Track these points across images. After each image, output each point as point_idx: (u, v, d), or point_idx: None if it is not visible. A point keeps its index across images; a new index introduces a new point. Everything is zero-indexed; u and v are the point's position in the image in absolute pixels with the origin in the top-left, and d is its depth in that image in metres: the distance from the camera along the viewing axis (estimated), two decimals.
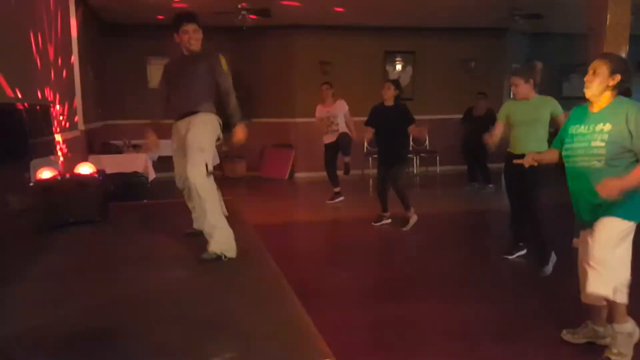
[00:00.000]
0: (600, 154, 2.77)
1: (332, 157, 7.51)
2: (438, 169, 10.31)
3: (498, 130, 4.56)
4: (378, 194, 6.28)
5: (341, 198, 7.62)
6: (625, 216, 2.76)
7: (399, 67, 10.57)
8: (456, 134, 10.13)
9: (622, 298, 2.78)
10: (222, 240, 3.42)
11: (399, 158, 6.02)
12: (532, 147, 4.18)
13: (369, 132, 6.19)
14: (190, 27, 3.51)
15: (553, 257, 4.46)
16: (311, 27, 9.69)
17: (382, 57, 10.40)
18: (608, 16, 4.78)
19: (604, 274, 2.74)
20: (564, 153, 3.03)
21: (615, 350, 2.86)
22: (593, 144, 2.79)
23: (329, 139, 7.46)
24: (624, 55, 4.78)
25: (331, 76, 9.73)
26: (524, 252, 4.91)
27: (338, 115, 7.38)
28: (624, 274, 2.78)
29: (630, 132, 2.70)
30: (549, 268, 4.40)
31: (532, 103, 4.43)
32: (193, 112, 3.53)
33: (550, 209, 4.62)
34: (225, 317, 2.53)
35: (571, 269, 4.62)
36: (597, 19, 4.90)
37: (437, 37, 10.33)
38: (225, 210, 3.70)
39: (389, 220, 6.24)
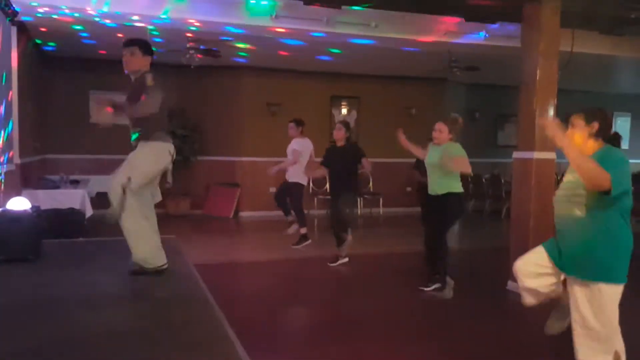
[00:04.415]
0: (581, 202, 2.73)
1: (294, 201, 7.09)
2: (381, 210, 10.51)
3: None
4: (334, 233, 6.25)
5: (308, 241, 7.10)
6: (612, 279, 2.68)
7: (344, 111, 10.85)
8: (399, 177, 10.46)
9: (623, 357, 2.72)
10: (141, 249, 3.56)
11: (347, 192, 6.10)
12: (439, 188, 4.91)
13: (320, 171, 6.37)
14: (126, 50, 3.70)
15: (450, 282, 4.93)
16: (259, 69, 9.85)
17: (329, 100, 10.66)
18: (538, 71, 5.14)
19: (602, 344, 2.68)
20: (554, 199, 2.99)
21: None
22: (576, 191, 2.76)
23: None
24: (552, 107, 5.14)
25: (279, 117, 9.88)
26: (439, 285, 5.08)
27: (288, 154, 7.08)
28: (620, 339, 2.73)
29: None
30: (448, 292, 4.87)
31: (440, 149, 4.95)
32: (141, 141, 3.59)
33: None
34: None
35: (505, 307, 4.80)
36: (528, 74, 5.25)
37: (381, 84, 10.73)
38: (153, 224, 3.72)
39: (346, 259, 6.21)
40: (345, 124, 6.32)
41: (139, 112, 3.52)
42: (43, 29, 6.93)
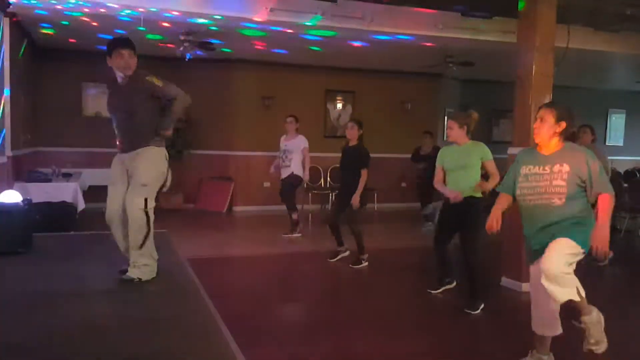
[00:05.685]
0: (562, 192, 2.94)
1: (287, 191, 7.38)
2: (376, 206, 10.49)
3: (439, 175, 4.70)
4: (331, 229, 6.18)
5: (298, 234, 7.41)
6: (578, 241, 2.92)
7: (339, 105, 10.80)
8: (394, 172, 10.48)
9: (583, 292, 2.91)
10: (146, 273, 3.52)
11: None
12: (465, 190, 4.49)
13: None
14: (126, 52, 3.52)
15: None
16: (253, 62, 9.78)
17: (323, 95, 10.61)
18: (534, 67, 5.12)
19: (564, 281, 2.86)
20: (519, 192, 3.14)
21: (592, 340, 2.97)
22: (554, 182, 2.95)
23: (283, 174, 7.35)
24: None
25: (273, 111, 9.83)
26: (452, 285, 4.96)
27: (294, 151, 7.24)
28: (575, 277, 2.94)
29: (589, 175, 2.92)
30: (477, 313, 4.47)
31: (463, 149, 4.61)
32: (141, 146, 3.51)
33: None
34: (153, 355, 2.44)
35: (500, 302, 4.80)
36: (524, 69, 5.23)
37: (376, 79, 10.67)
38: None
39: (347, 253, 6.16)
40: (358, 122, 6.13)
41: (182, 100, 3.59)
42: (36, 20, 6.84)
